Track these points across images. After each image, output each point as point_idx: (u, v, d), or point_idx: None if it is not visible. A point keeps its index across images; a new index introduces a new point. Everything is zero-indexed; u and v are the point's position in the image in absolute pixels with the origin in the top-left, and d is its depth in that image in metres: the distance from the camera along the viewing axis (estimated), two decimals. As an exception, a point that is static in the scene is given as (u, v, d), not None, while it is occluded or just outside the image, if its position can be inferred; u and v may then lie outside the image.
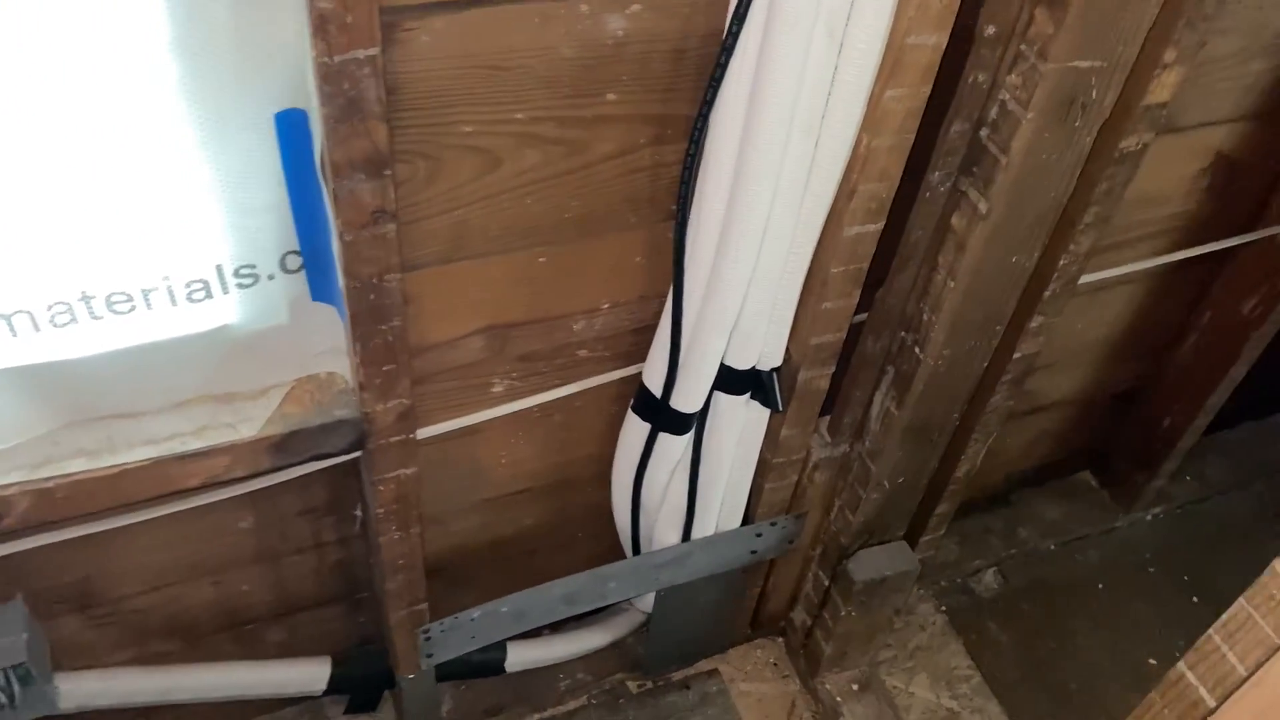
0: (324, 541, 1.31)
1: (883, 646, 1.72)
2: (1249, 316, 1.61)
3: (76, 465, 0.96)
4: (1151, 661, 1.78)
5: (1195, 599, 1.88)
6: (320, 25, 0.73)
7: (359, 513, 1.28)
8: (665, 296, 1.16)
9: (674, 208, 1.08)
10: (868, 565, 1.49)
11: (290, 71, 0.81)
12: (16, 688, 1.12)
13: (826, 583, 1.56)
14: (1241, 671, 0.86)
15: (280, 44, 0.78)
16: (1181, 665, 0.93)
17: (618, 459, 1.35)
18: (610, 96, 0.99)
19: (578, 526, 1.50)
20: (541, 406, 1.25)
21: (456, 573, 1.44)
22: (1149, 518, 1.99)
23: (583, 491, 1.44)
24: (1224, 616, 0.88)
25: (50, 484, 0.94)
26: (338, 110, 0.78)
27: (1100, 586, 1.88)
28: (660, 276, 1.17)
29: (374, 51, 0.76)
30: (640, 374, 1.25)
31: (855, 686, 1.67)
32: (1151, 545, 1.95)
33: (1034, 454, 1.90)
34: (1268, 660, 0.83)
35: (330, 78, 0.76)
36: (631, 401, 1.28)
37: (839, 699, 1.66)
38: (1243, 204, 1.52)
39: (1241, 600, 0.86)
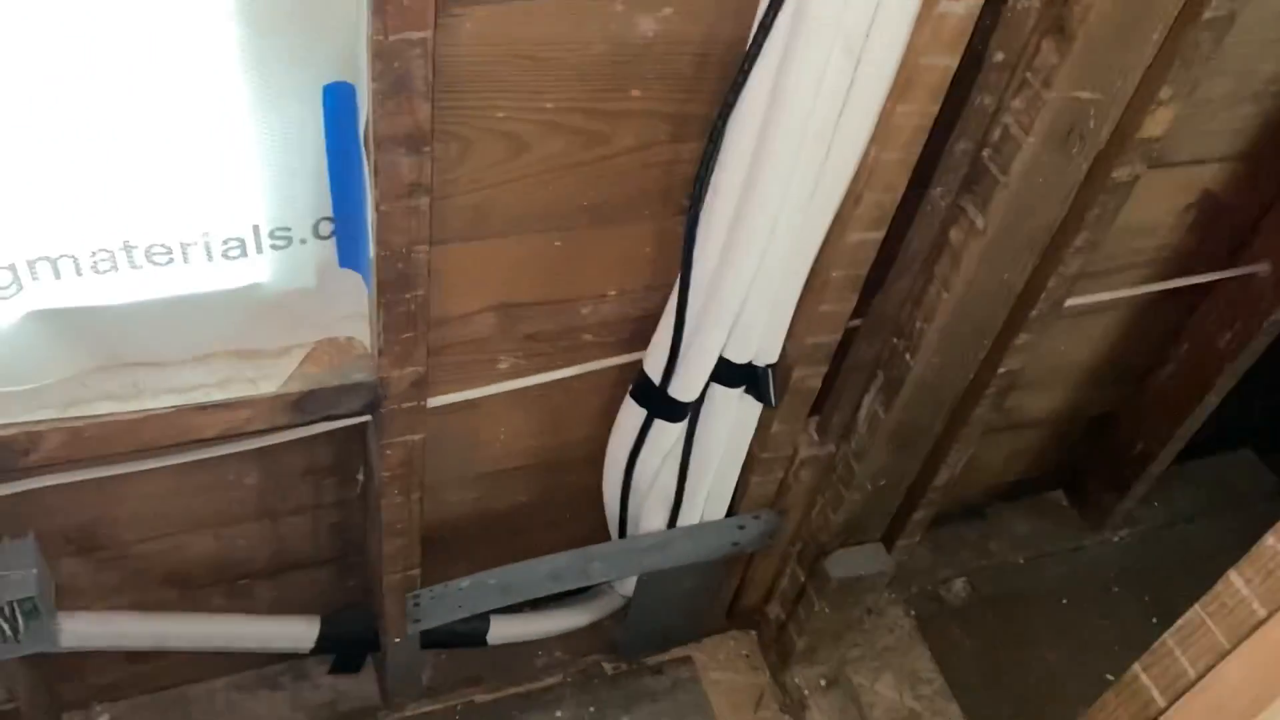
0: (323, 503, 1.36)
1: (852, 645, 1.77)
2: (1224, 349, 1.67)
3: (103, 408, 1.00)
4: (1109, 677, 1.82)
5: (1155, 620, 1.94)
6: (380, 5, 0.77)
7: (361, 476, 1.32)
8: (669, 288, 1.21)
9: (685, 203, 1.13)
10: (844, 564, 1.55)
11: (342, 47, 0.85)
12: (21, 622, 1.15)
13: (803, 579, 1.61)
14: (1191, 675, 0.92)
15: (339, 20, 0.82)
16: (1136, 667, 0.99)
17: (612, 441, 1.40)
18: (635, 93, 1.04)
19: (566, 508, 1.55)
20: (543, 386, 1.30)
21: (446, 544, 1.49)
22: (1116, 539, 2.05)
23: (574, 472, 1.48)
24: (1179, 621, 0.94)
25: (79, 423, 0.99)
26: (387, 86, 0.83)
27: (1064, 602, 1.94)
28: (666, 268, 1.22)
29: (426, 34, 0.81)
30: (639, 361, 1.30)
31: (823, 682, 1.73)
32: (1116, 566, 2.01)
33: (1011, 470, 1.96)
34: (1216, 664, 0.88)
35: (383, 55, 0.80)
36: (630, 387, 1.32)
37: (807, 692, 1.71)
38: (1225, 240, 1.58)
39: (1197, 607, 0.92)
